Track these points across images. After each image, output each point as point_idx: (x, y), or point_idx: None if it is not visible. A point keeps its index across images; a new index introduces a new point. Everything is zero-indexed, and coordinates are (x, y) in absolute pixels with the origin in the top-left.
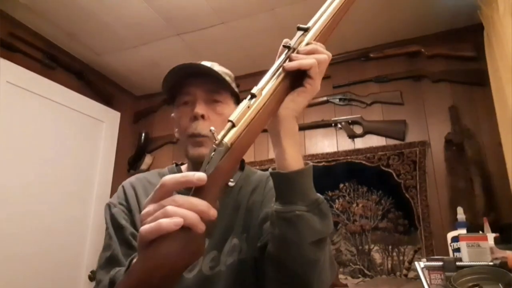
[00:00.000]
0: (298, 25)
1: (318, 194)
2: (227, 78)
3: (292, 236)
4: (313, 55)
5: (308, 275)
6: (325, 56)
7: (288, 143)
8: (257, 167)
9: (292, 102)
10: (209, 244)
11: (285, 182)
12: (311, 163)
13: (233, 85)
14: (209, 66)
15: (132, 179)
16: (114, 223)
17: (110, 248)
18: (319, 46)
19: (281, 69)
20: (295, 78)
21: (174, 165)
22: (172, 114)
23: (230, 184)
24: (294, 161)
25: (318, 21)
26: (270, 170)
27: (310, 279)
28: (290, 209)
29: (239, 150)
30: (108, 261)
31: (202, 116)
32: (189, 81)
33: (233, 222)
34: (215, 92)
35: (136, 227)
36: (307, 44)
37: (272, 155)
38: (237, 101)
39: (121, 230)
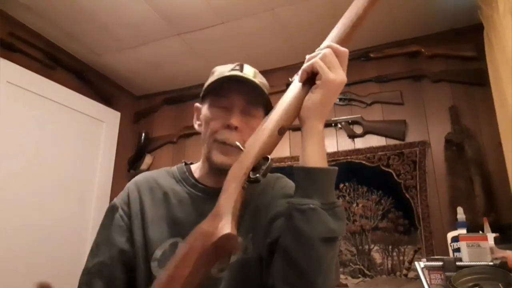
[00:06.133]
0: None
1: (337, 199)
2: (266, 92)
3: (304, 228)
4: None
5: (314, 272)
6: (327, 50)
7: (308, 142)
8: None
9: (308, 101)
10: None
11: (305, 176)
12: (336, 168)
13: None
14: (255, 81)
15: (139, 178)
16: (108, 233)
17: (92, 256)
18: (324, 47)
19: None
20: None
21: (183, 163)
22: (198, 105)
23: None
24: (313, 159)
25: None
26: (294, 165)
27: (315, 277)
28: (305, 202)
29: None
30: (86, 272)
31: (236, 128)
32: (230, 86)
33: (240, 222)
34: (253, 105)
35: (132, 234)
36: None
37: (272, 155)
38: (267, 112)
39: (110, 245)
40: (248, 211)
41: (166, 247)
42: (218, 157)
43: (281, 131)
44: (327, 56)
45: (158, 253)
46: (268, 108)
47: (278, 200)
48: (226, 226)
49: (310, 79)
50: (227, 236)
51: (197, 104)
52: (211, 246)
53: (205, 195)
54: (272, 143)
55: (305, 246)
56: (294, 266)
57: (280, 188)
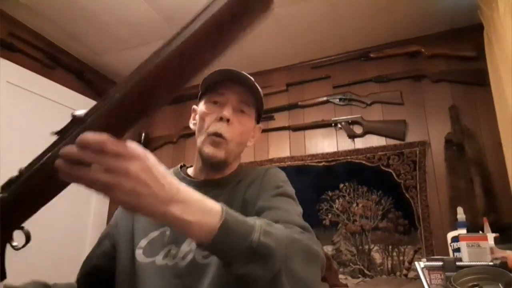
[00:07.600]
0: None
1: (252, 232)
2: (261, 93)
3: None
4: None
5: None
6: (123, 179)
7: (181, 231)
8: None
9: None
10: None
11: (213, 252)
12: (219, 208)
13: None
14: (252, 79)
15: None
16: (103, 232)
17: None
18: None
19: None
20: None
21: (179, 166)
22: (195, 106)
23: None
24: (199, 238)
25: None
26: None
27: None
28: (231, 272)
29: None
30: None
31: (228, 120)
32: (226, 84)
33: None
34: (246, 103)
35: (116, 234)
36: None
37: (272, 155)
38: (259, 118)
39: (99, 242)
40: (238, 203)
41: (154, 236)
42: (209, 149)
43: None
44: (119, 188)
45: (144, 242)
46: (260, 111)
47: (265, 192)
48: None
49: None
50: None
51: (195, 106)
52: None
53: (194, 187)
54: None
55: None
56: None
57: (268, 180)
